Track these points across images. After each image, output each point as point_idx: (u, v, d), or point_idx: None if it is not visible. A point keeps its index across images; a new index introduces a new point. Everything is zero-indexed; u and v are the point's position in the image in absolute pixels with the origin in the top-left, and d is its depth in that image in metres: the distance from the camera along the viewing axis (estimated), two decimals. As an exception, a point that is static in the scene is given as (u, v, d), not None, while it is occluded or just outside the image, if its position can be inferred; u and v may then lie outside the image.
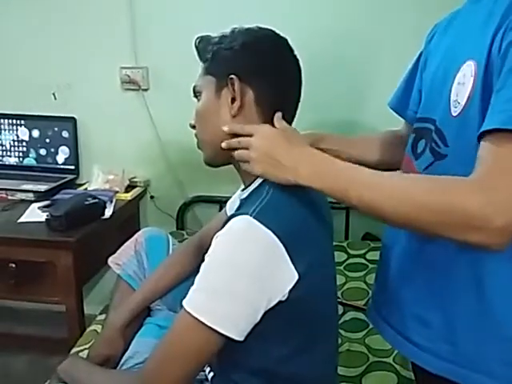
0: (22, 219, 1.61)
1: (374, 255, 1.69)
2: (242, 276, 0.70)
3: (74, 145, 1.93)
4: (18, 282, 1.56)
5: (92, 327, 1.40)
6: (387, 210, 0.68)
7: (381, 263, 0.97)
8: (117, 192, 1.82)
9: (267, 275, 0.71)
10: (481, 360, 0.77)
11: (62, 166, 1.95)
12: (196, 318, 0.69)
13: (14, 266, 1.54)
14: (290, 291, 0.73)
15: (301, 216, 0.79)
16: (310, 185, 0.74)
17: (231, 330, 0.70)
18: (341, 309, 1.45)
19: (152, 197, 1.97)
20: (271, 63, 0.83)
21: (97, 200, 1.63)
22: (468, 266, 0.76)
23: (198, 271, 0.75)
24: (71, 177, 1.93)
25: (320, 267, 0.80)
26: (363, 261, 1.68)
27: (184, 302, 0.72)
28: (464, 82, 0.74)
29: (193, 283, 0.86)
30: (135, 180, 1.94)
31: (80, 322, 1.56)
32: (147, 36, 1.83)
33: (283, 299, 0.73)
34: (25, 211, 1.66)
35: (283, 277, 0.72)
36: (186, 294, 1.13)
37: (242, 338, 0.72)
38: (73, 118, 1.92)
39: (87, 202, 1.60)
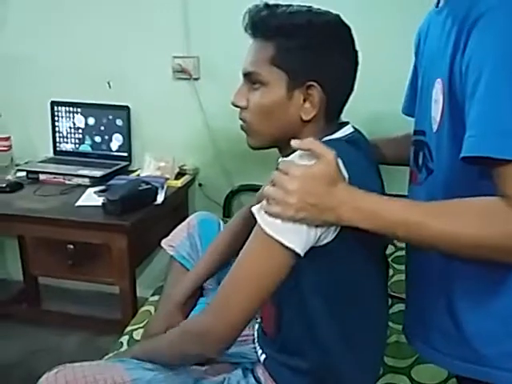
0: (79, 203, 1.68)
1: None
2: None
3: (127, 132, 2.00)
4: (76, 263, 1.63)
5: (145, 307, 1.45)
6: (441, 249, 0.71)
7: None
8: (167, 179, 1.87)
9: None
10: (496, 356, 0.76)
11: (115, 153, 2.02)
12: (266, 233, 0.71)
13: (72, 247, 1.62)
14: (338, 233, 0.75)
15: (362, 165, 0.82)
16: (353, 225, 0.71)
17: (295, 242, 0.71)
18: (389, 301, 1.44)
19: (200, 184, 2.02)
20: (348, 68, 0.84)
21: (150, 186, 1.68)
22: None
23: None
24: (124, 163, 1.99)
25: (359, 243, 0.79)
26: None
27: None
28: (437, 100, 0.75)
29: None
30: (185, 168, 1.98)
31: (133, 303, 1.63)
32: (199, 26, 1.85)
33: (331, 238, 0.75)
34: (81, 195, 1.73)
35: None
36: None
37: (302, 253, 0.72)
38: (126, 107, 1.97)
39: (141, 188, 1.65)
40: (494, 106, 0.63)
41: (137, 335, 1.30)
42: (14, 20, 2.04)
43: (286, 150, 0.87)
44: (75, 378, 0.81)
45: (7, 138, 1.97)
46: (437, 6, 0.83)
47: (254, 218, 0.74)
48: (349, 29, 0.83)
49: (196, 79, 1.90)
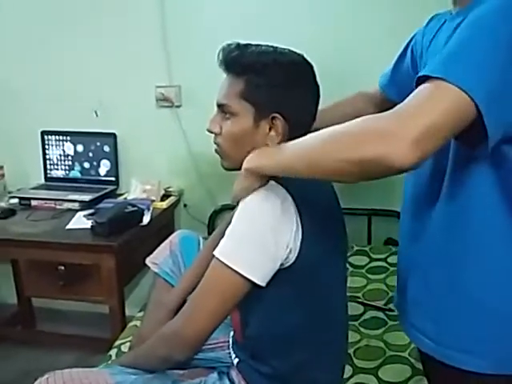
0: (69, 226, 1.78)
1: (395, 259, 1.77)
2: (259, 226, 0.85)
3: (114, 158, 2.11)
4: (67, 283, 1.72)
5: (132, 323, 1.54)
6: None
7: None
8: (153, 201, 1.98)
9: (279, 228, 0.85)
10: (459, 338, 0.84)
11: (103, 178, 2.13)
12: (224, 264, 0.84)
13: (63, 268, 1.71)
14: (298, 253, 0.86)
15: (311, 191, 0.92)
16: (250, 166, 0.86)
17: (255, 274, 0.84)
18: (361, 308, 1.54)
19: (185, 205, 2.12)
20: (310, 101, 0.95)
21: (136, 208, 1.79)
22: (441, 245, 0.85)
23: None
24: (112, 187, 2.10)
25: (322, 246, 0.91)
26: (384, 264, 1.77)
27: (215, 251, 0.87)
28: None
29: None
30: (170, 190, 2.09)
31: (122, 321, 1.71)
32: (179, 57, 1.99)
33: (292, 260, 0.86)
34: (71, 219, 1.83)
35: (293, 231, 0.86)
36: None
37: (263, 283, 0.85)
38: (113, 134, 2.09)
39: (127, 210, 1.76)
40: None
41: (124, 348, 1.39)
42: (2, 53, 2.15)
43: None
44: (64, 382, 0.90)
45: (0, 167, 2.07)
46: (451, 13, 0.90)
47: (216, 258, 0.86)
48: (311, 66, 0.95)
49: (178, 106, 2.03)
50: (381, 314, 1.49)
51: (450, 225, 0.83)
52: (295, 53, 0.95)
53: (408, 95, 1.09)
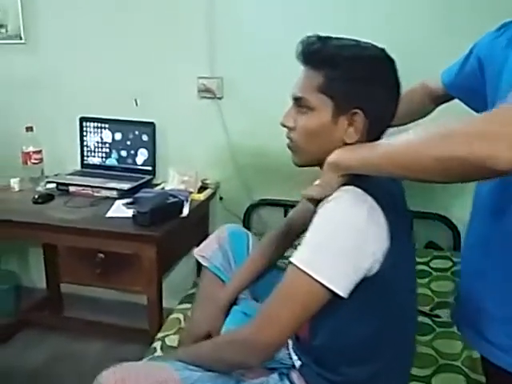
0: (109, 214, 1.76)
1: (438, 263, 1.75)
2: (346, 235, 0.81)
3: (152, 147, 2.09)
4: (105, 271, 1.71)
5: (174, 315, 1.52)
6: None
7: (461, 272, 1.04)
8: (191, 192, 1.96)
9: (369, 236, 0.82)
10: None
11: (140, 167, 2.11)
12: (306, 273, 0.81)
13: (102, 256, 1.70)
14: (383, 262, 0.83)
15: (392, 195, 0.90)
16: (333, 160, 0.85)
17: (337, 286, 0.81)
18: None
19: (221, 198, 2.10)
20: (390, 98, 0.91)
21: (177, 199, 1.77)
22: None
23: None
24: (148, 177, 2.08)
25: (402, 251, 0.88)
26: (427, 268, 1.73)
27: (292, 258, 0.84)
28: None
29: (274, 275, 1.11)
30: (207, 182, 2.07)
31: (159, 312, 1.70)
32: (223, 48, 1.96)
33: (376, 270, 0.83)
34: (110, 207, 1.82)
35: (381, 239, 0.83)
36: (271, 285, 1.25)
37: (344, 294, 0.82)
38: (152, 123, 2.07)
39: (168, 201, 1.74)
40: None
41: (169, 341, 1.38)
42: (46, 40, 2.15)
43: None
44: (130, 374, 0.89)
45: (39, 151, 2.06)
46: None
47: (294, 266, 0.83)
48: (393, 62, 0.91)
49: (219, 98, 2.00)
50: (427, 320, 1.46)
51: None
52: (377, 47, 0.91)
53: (474, 98, 1.07)
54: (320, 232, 0.84)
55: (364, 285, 0.84)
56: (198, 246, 2.10)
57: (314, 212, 0.88)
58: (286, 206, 2.01)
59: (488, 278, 0.92)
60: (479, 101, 1.05)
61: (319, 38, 0.91)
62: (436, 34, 1.76)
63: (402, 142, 0.77)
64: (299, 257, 0.84)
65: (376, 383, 0.93)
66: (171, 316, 1.53)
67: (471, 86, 1.06)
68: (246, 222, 2.07)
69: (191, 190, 1.98)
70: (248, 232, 1.36)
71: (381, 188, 0.87)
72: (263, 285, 1.25)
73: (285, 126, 0.96)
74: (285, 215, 2.02)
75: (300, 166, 0.99)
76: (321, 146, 0.92)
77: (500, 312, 0.90)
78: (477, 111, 1.10)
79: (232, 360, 0.92)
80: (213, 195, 2.09)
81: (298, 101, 0.93)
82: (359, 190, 0.84)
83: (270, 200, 2.04)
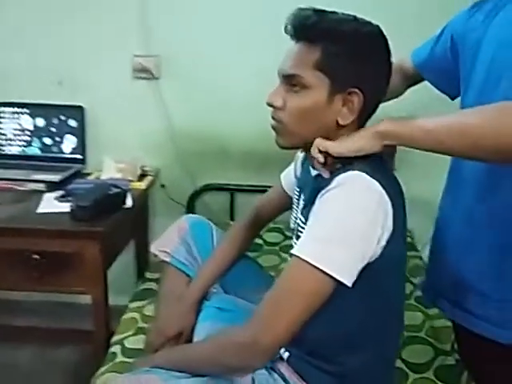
0: (40, 210, 1.58)
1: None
2: (356, 225, 0.77)
3: (81, 134, 1.90)
4: (43, 274, 1.53)
5: (128, 315, 1.41)
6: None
7: (435, 246, 1.05)
8: (131, 181, 1.82)
9: (377, 223, 0.78)
10: None
11: (68, 156, 1.92)
12: (313, 266, 0.76)
13: (37, 257, 1.52)
14: (384, 247, 0.80)
15: (393, 183, 0.87)
16: (394, 128, 0.80)
17: (344, 275, 0.77)
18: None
19: (163, 185, 1.98)
20: (385, 77, 0.87)
21: (119, 189, 1.63)
22: None
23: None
24: (78, 166, 1.90)
25: (401, 236, 0.86)
26: None
27: (297, 251, 0.79)
28: None
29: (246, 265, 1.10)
30: (146, 169, 1.93)
31: (106, 311, 1.57)
32: (160, 22, 1.81)
33: (377, 256, 0.80)
34: (40, 201, 1.63)
35: (387, 226, 0.80)
36: (243, 276, 1.19)
37: (351, 284, 0.78)
38: (80, 107, 1.88)
39: (110, 192, 1.59)
40: None
41: (129, 343, 1.27)
42: None
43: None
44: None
45: None
46: None
47: (302, 260, 0.78)
48: (386, 39, 0.87)
49: (157, 78, 1.86)
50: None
51: None
52: (373, 24, 0.87)
53: (445, 80, 1.08)
54: (329, 223, 0.79)
55: (364, 271, 0.81)
56: (137, 237, 2.01)
57: (317, 191, 0.83)
58: (232, 191, 1.95)
59: (471, 252, 0.94)
60: (450, 83, 1.06)
61: (314, 10, 0.85)
62: (426, 11, 1.70)
63: (471, 117, 0.75)
64: (307, 251, 0.78)
65: (367, 372, 0.92)
66: (125, 316, 1.41)
67: (442, 67, 1.07)
68: (190, 210, 1.97)
69: (130, 178, 1.84)
70: (210, 222, 1.28)
71: (385, 173, 0.84)
72: (234, 276, 1.19)
73: (271, 106, 0.89)
74: (231, 200, 1.96)
75: (284, 149, 0.93)
76: (312, 127, 0.87)
77: (480, 285, 0.92)
78: (448, 94, 1.12)
79: (233, 364, 0.85)
80: (153, 183, 1.96)
81: (289, 78, 0.86)
82: (368, 177, 0.79)
83: (215, 185, 1.96)
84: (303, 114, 0.85)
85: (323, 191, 0.81)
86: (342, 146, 0.82)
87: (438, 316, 1.37)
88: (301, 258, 0.78)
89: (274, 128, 0.91)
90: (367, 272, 0.81)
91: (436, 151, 0.78)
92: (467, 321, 0.96)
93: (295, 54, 0.85)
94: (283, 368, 0.95)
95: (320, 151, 0.84)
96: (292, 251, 0.81)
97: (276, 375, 0.95)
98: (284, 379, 0.94)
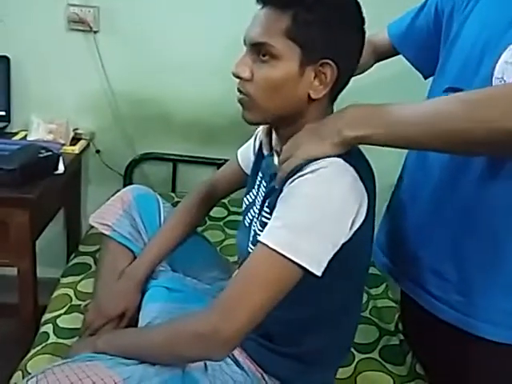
0: (-44, 172, 1.39)
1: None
2: (329, 214, 0.73)
3: (5, 88, 1.69)
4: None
5: (61, 291, 1.29)
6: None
7: (396, 217, 1.04)
8: (63, 144, 1.66)
9: (351, 211, 0.75)
10: (488, 310, 0.88)
11: (-12, 112, 1.71)
12: (282, 255, 0.72)
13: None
14: (355, 232, 0.77)
15: (366, 165, 0.84)
16: (356, 134, 0.74)
17: (314, 266, 0.73)
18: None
19: (98, 151, 1.83)
20: (359, 47, 0.82)
21: (50, 153, 1.47)
22: (483, 222, 0.86)
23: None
24: (2, 124, 1.70)
25: (371, 221, 0.83)
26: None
27: (265, 239, 0.74)
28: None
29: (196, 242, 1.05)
30: (79, 132, 1.77)
31: (34, 286, 1.44)
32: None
33: (347, 239, 0.77)
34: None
35: (360, 212, 0.76)
36: (192, 254, 1.13)
37: (320, 273, 0.74)
38: (5, 57, 1.67)
39: (41, 155, 1.43)
40: None
41: (62, 322, 1.16)
42: None
43: (284, 129, 0.85)
44: (60, 384, 0.70)
45: None
46: None
47: (270, 249, 0.73)
48: (360, 7, 0.81)
49: (95, 32, 1.69)
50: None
51: (502, 202, 0.83)
52: None
53: (423, 56, 1.05)
54: (300, 211, 0.74)
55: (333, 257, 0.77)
56: (68, 206, 1.86)
57: (284, 181, 0.78)
58: (174, 161, 1.85)
59: (432, 234, 0.94)
60: (427, 60, 1.03)
61: None
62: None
63: (440, 108, 0.70)
64: (276, 239, 0.73)
65: (325, 353, 0.90)
66: (57, 292, 1.29)
67: (422, 42, 1.03)
68: (128, 179, 1.85)
69: (62, 141, 1.67)
70: (157, 194, 1.18)
71: (359, 157, 0.80)
72: (182, 254, 1.12)
73: (238, 77, 0.81)
74: (173, 171, 1.86)
75: (252, 124, 0.86)
76: (282, 101, 0.80)
77: (439, 266, 0.93)
78: (422, 72, 1.09)
79: (191, 355, 0.79)
80: (87, 148, 1.80)
81: (257, 47, 0.79)
82: (343, 162, 0.75)
83: (156, 154, 1.84)
84: (273, 86, 0.79)
85: (294, 177, 0.76)
86: (305, 154, 0.77)
87: (381, 296, 1.39)
88: (269, 247, 0.73)
89: (240, 102, 0.83)
90: (336, 256, 0.77)
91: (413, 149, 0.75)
92: (429, 304, 0.96)
93: (264, 21, 0.78)
94: (237, 352, 0.91)
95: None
96: (259, 239, 0.75)
97: (229, 360, 0.90)
98: (238, 364, 0.90)
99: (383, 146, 0.75)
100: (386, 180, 1.09)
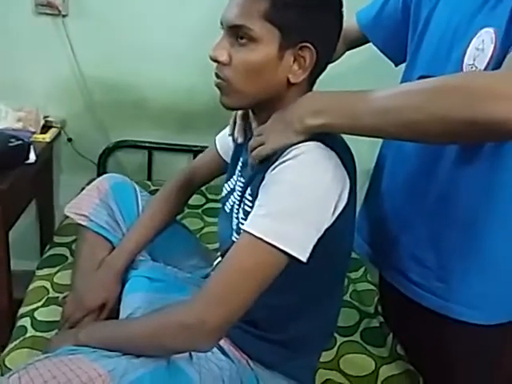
0: None
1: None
2: (312, 199, 0.73)
3: (-30, 74, 1.63)
4: None
5: (37, 283, 1.26)
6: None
7: (375, 205, 1.05)
8: (33, 133, 1.61)
9: (334, 196, 0.75)
10: (466, 295, 0.91)
11: (-48, 99, 1.63)
12: (267, 243, 0.71)
13: None
14: (338, 216, 0.77)
15: (347, 150, 0.83)
16: (318, 122, 0.73)
17: (300, 252, 0.73)
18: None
19: (70, 139, 1.77)
20: (337, 30, 0.81)
21: (21, 141, 1.42)
22: (459, 208, 0.87)
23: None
24: (-33, 112, 1.63)
25: (353, 205, 0.83)
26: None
27: (250, 228, 0.73)
28: (483, 48, 0.79)
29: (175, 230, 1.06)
30: (50, 119, 1.71)
31: (8, 277, 1.40)
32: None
33: (330, 223, 0.76)
34: None
35: (342, 197, 0.76)
36: (172, 242, 1.11)
37: (306, 259, 0.74)
38: (-31, 42, 1.60)
39: (11, 144, 1.39)
40: None
41: (40, 315, 1.13)
42: None
43: (261, 114, 0.84)
44: (44, 381, 0.68)
45: None
46: None
47: (255, 237, 0.72)
48: None
49: (64, 16, 1.63)
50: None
51: (476, 187, 0.84)
52: None
53: (392, 45, 1.06)
54: (283, 198, 0.73)
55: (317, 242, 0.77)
56: (40, 196, 1.80)
57: (266, 165, 0.77)
58: (150, 149, 1.81)
59: (411, 222, 0.95)
60: (397, 47, 1.03)
61: None
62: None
63: (396, 95, 0.68)
64: (261, 227, 0.72)
65: (310, 338, 0.91)
66: (34, 284, 1.26)
67: (391, 29, 1.03)
68: (102, 168, 1.80)
69: (32, 129, 1.62)
70: (134, 183, 1.16)
71: (339, 141, 0.80)
72: (162, 242, 1.10)
73: (216, 61, 0.79)
74: (149, 159, 1.82)
75: (230, 109, 0.85)
76: (260, 85, 0.79)
77: (435, 257, 0.93)
78: (392, 60, 1.09)
79: (176, 346, 0.78)
80: (58, 136, 1.75)
81: (234, 29, 0.77)
82: (322, 146, 0.75)
83: (130, 142, 1.80)
84: (251, 70, 0.77)
85: (276, 164, 0.75)
86: (273, 143, 0.77)
87: (361, 279, 1.41)
88: (253, 235, 0.72)
89: (218, 86, 0.81)
90: (318, 241, 0.77)
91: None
92: (411, 292, 0.97)
93: (241, 3, 0.76)
94: (222, 340, 0.90)
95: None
96: (243, 227, 0.74)
97: (215, 348, 0.89)
98: (223, 352, 0.89)
99: (347, 134, 0.75)
100: (362, 166, 1.10)
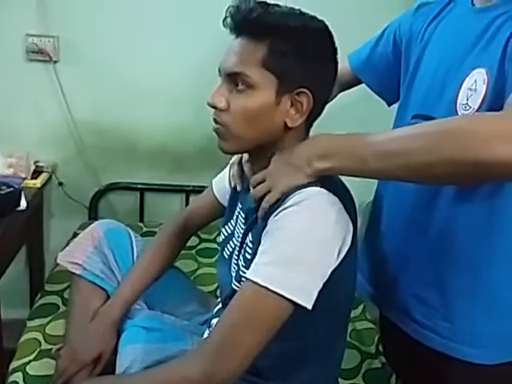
0: None
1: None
2: (317, 245, 0.72)
3: (-41, 121, 1.62)
4: None
5: (28, 335, 1.21)
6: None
7: (375, 244, 1.04)
8: (24, 178, 1.60)
9: (338, 241, 0.75)
10: (471, 334, 0.89)
11: None
12: (272, 291, 0.70)
13: None
14: (341, 261, 0.76)
15: (346, 193, 0.83)
16: (326, 166, 0.74)
17: (306, 300, 0.72)
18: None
19: (61, 183, 1.76)
20: (332, 76, 0.83)
21: (12, 189, 1.41)
22: (460, 245, 0.87)
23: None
24: (-44, 160, 1.62)
25: (355, 249, 0.83)
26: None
27: (253, 276, 0.72)
28: (476, 88, 0.80)
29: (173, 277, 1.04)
30: (41, 164, 1.70)
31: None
32: (59, 1, 1.60)
33: (334, 267, 0.76)
34: None
35: (346, 242, 0.76)
36: (168, 289, 1.09)
37: (311, 306, 0.73)
38: (-42, 90, 1.60)
39: (2, 192, 1.37)
40: None
41: (32, 370, 1.09)
42: None
43: (258, 157, 0.85)
44: None
45: None
46: (472, 4, 0.87)
47: (260, 286, 0.71)
48: (332, 36, 0.82)
49: (55, 62, 1.64)
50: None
51: (477, 225, 0.84)
52: (318, 19, 0.81)
53: (385, 85, 1.08)
54: (286, 245, 0.72)
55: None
56: (30, 243, 1.77)
57: (267, 215, 0.77)
58: (142, 190, 1.80)
59: (410, 262, 0.94)
60: (389, 88, 1.05)
61: (257, 3, 0.77)
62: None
63: (403, 138, 0.69)
64: (265, 275, 0.71)
65: None
66: (25, 336, 1.21)
67: (382, 71, 1.05)
68: (93, 211, 1.79)
69: (23, 175, 1.61)
70: (127, 228, 1.14)
71: (338, 183, 0.80)
72: (158, 290, 1.08)
73: (213, 107, 0.80)
74: (141, 200, 1.81)
75: (228, 154, 0.85)
76: (258, 130, 0.80)
77: (438, 297, 0.91)
78: (385, 100, 1.11)
79: None
80: (49, 180, 1.74)
81: (233, 77, 0.78)
82: (325, 191, 0.75)
83: (122, 184, 1.80)
84: (249, 116, 0.78)
85: (278, 210, 0.75)
86: (284, 186, 0.77)
87: (360, 318, 1.39)
88: (257, 284, 0.71)
89: (216, 132, 0.82)
90: (322, 287, 0.76)
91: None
92: (415, 332, 0.94)
93: (239, 51, 0.77)
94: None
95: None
96: (247, 276, 0.73)
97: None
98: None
99: (355, 176, 0.75)
100: (357, 200, 1.10)
